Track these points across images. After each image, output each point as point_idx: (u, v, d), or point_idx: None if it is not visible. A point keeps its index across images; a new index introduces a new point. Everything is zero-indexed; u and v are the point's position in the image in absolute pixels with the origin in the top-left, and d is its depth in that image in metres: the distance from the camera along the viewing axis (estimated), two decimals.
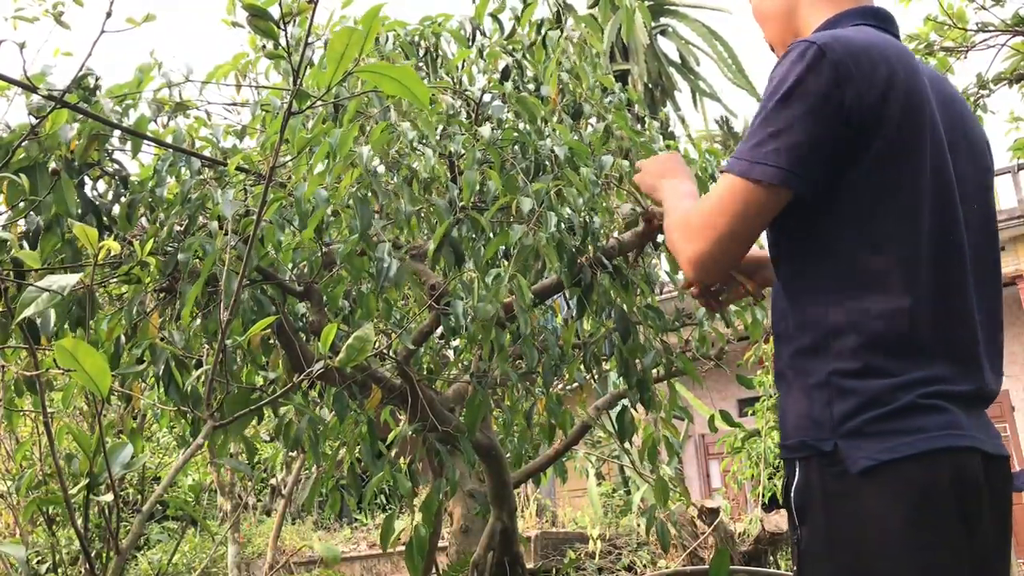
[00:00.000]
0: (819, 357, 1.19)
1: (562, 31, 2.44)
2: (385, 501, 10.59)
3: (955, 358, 1.18)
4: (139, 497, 5.13)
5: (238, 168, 1.98)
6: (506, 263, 2.22)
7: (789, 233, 1.28)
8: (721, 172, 1.28)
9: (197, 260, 1.85)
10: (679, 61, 15.59)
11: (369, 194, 1.83)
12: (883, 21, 1.35)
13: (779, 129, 1.19)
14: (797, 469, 1.19)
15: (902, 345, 1.15)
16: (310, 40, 1.33)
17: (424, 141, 2.04)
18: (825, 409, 1.16)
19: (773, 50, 1.53)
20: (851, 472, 1.10)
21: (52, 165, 1.77)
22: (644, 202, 2.22)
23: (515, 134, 2.06)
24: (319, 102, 1.40)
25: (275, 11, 1.33)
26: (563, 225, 1.93)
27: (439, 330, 2.40)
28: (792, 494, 1.19)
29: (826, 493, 1.14)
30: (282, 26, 1.31)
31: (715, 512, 5.45)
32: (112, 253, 1.39)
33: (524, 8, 2.54)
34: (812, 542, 1.16)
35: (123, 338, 2.03)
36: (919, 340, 1.16)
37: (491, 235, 2.03)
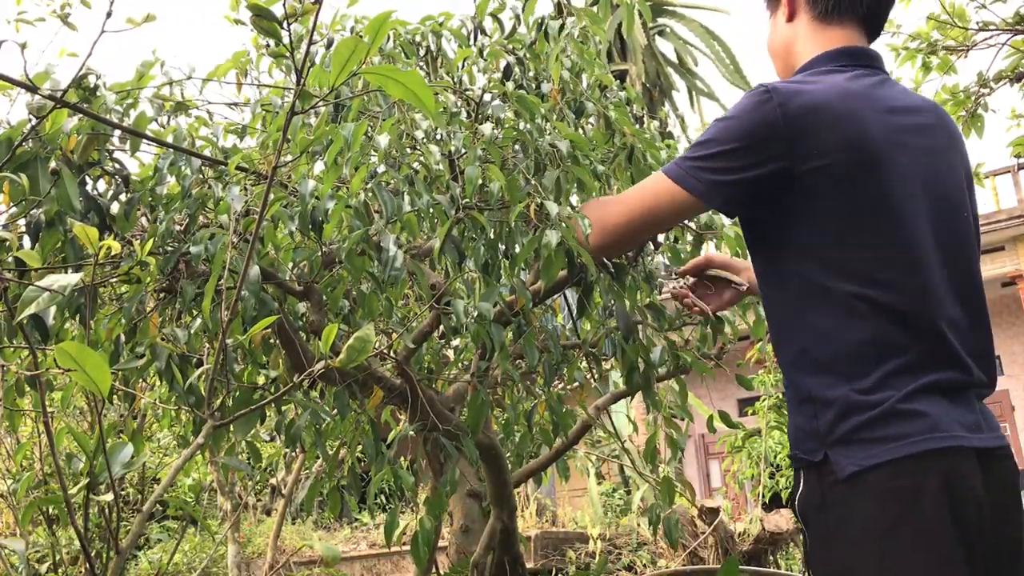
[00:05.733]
0: (800, 372, 1.28)
1: (564, 25, 2.43)
2: (385, 501, 10.60)
3: (929, 352, 1.22)
4: (139, 497, 5.13)
5: (238, 168, 1.98)
6: (506, 262, 2.21)
7: (761, 259, 1.39)
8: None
9: (207, 261, 1.84)
10: (677, 61, 15.58)
11: (385, 183, 1.82)
12: (858, 59, 1.43)
13: (717, 151, 1.32)
14: (801, 478, 1.26)
15: (869, 348, 1.22)
16: (314, 39, 1.33)
17: (428, 138, 2.04)
18: (813, 421, 1.23)
19: None
20: (839, 479, 1.16)
21: (52, 164, 1.76)
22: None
23: (515, 133, 2.06)
24: (321, 102, 1.39)
25: (278, 9, 1.33)
26: (562, 224, 1.93)
27: (439, 329, 2.40)
28: (796, 502, 1.26)
29: (823, 501, 1.20)
30: (286, 26, 1.31)
31: (715, 512, 5.46)
32: (113, 252, 1.38)
33: (524, 4, 2.53)
34: (814, 548, 1.22)
35: (122, 337, 2.02)
36: (886, 341, 1.22)
37: (491, 235, 2.03)
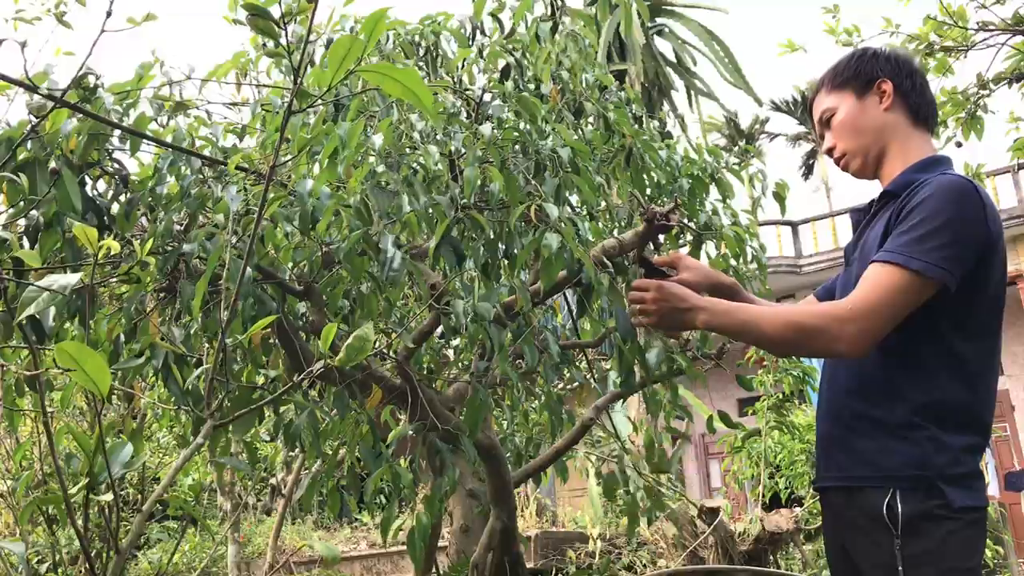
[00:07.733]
0: (928, 416, 1.57)
1: (556, 25, 2.43)
2: (384, 500, 10.57)
3: (987, 438, 1.63)
4: (139, 497, 5.13)
5: (238, 167, 1.98)
6: (506, 262, 2.21)
7: (915, 319, 1.59)
8: (875, 262, 1.56)
9: (200, 258, 1.84)
10: (675, 61, 15.58)
11: (383, 183, 1.82)
12: (950, 167, 1.70)
13: (937, 238, 1.51)
14: (898, 492, 1.57)
15: (971, 417, 1.59)
16: (311, 39, 1.34)
17: (427, 138, 2.04)
18: (931, 456, 1.56)
19: (839, 160, 1.81)
20: (954, 506, 1.54)
21: (52, 164, 1.76)
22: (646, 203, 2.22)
23: (515, 134, 2.06)
24: (319, 101, 1.39)
25: (275, 10, 1.33)
26: (562, 225, 1.93)
27: (439, 330, 2.40)
28: (899, 509, 1.56)
29: (935, 516, 1.54)
30: (282, 25, 1.31)
31: (715, 512, 5.45)
32: (112, 252, 1.38)
33: (519, 6, 2.53)
34: (921, 548, 1.54)
35: (123, 337, 2.02)
36: (980, 413, 1.61)
37: (491, 234, 2.03)
